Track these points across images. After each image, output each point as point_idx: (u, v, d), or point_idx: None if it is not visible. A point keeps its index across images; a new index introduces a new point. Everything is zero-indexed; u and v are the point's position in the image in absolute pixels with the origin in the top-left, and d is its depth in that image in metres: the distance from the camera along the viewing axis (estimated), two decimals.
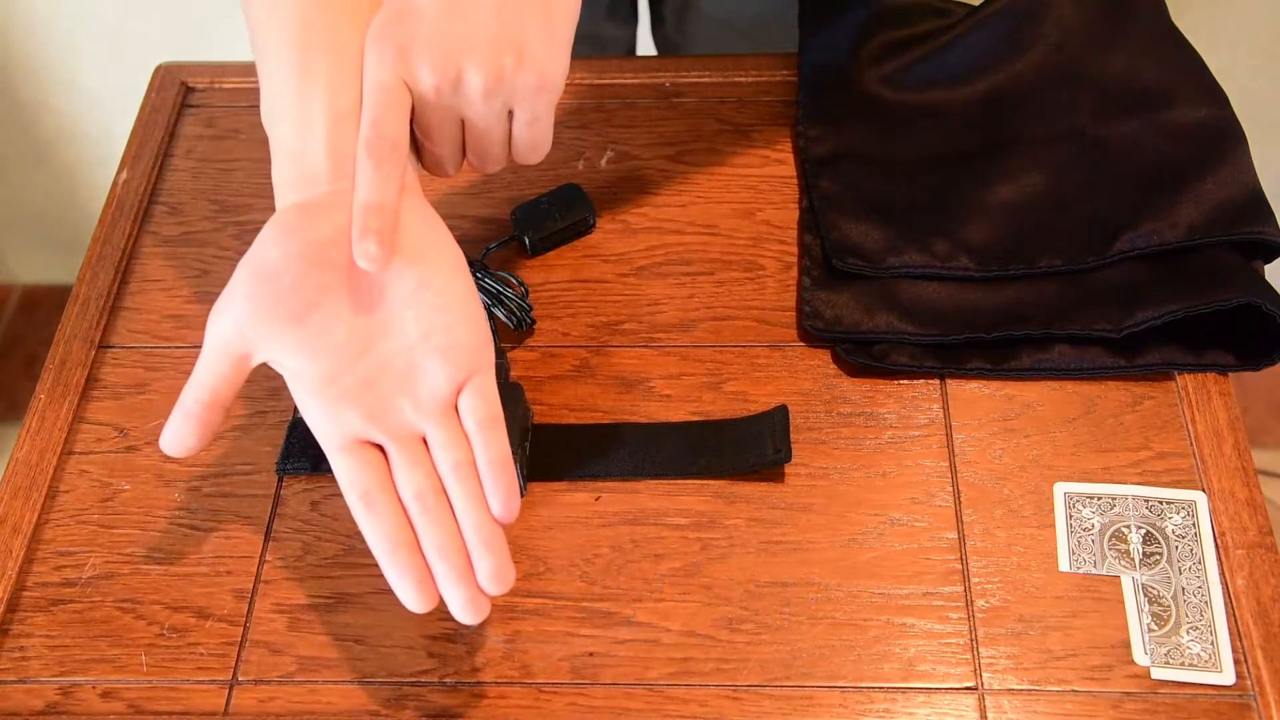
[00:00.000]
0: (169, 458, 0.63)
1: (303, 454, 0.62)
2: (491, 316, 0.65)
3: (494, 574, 0.51)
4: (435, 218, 0.56)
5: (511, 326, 0.66)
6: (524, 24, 0.53)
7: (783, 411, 0.62)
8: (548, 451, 0.62)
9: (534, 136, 0.56)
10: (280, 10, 0.55)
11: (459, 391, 0.54)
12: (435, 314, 0.54)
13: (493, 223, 0.71)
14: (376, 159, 0.53)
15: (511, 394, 0.61)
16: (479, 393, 0.54)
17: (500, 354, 0.63)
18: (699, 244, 0.70)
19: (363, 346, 0.53)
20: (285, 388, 0.65)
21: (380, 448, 0.53)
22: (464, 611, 0.50)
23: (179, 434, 0.53)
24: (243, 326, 0.53)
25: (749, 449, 0.61)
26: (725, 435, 0.62)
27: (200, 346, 0.67)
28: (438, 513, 0.52)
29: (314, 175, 0.54)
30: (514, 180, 0.73)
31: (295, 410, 0.64)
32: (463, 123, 0.56)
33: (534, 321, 0.66)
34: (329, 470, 0.55)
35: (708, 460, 0.61)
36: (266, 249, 0.53)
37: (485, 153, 0.57)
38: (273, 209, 0.75)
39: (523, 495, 0.60)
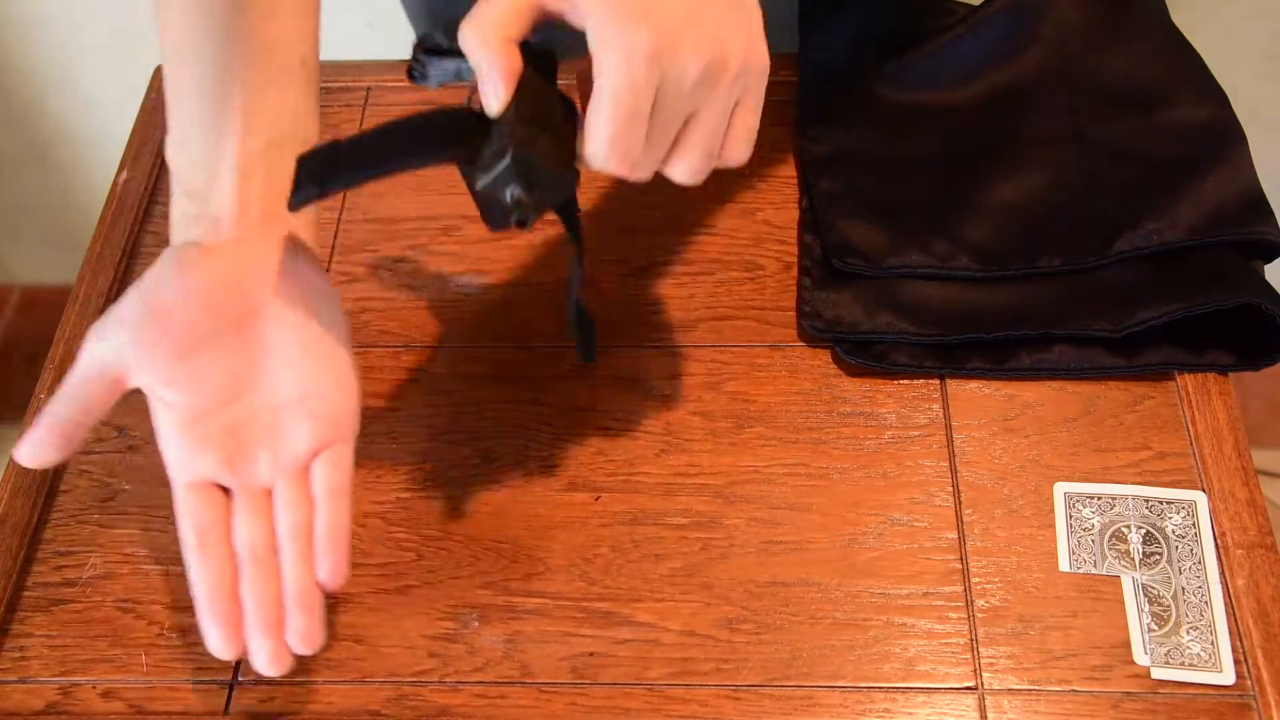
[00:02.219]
0: None
1: (308, 180, 0.51)
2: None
3: (304, 633, 0.51)
4: (327, 283, 0.56)
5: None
6: (751, 9, 0.50)
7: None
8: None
9: (754, 124, 0.52)
10: (196, 34, 0.54)
11: (315, 455, 0.54)
12: (314, 379, 0.54)
13: None
14: None
15: (573, 107, 0.52)
16: (335, 462, 0.54)
17: (550, 54, 0.53)
18: (699, 244, 0.70)
19: (235, 393, 0.54)
20: None
21: (226, 491, 0.54)
22: (266, 664, 0.51)
23: (39, 446, 0.53)
24: (123, 353, 0.53)
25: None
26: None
27: None
28: (265, 566, 0.52)
29: (217, 219, 0.54)
30: None
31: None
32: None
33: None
34: (336, 186, 0.51)
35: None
36: (161, 285, 0.53)
37: (711, 148, 0.51)
38: None
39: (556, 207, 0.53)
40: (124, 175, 0.75)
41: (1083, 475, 0.61)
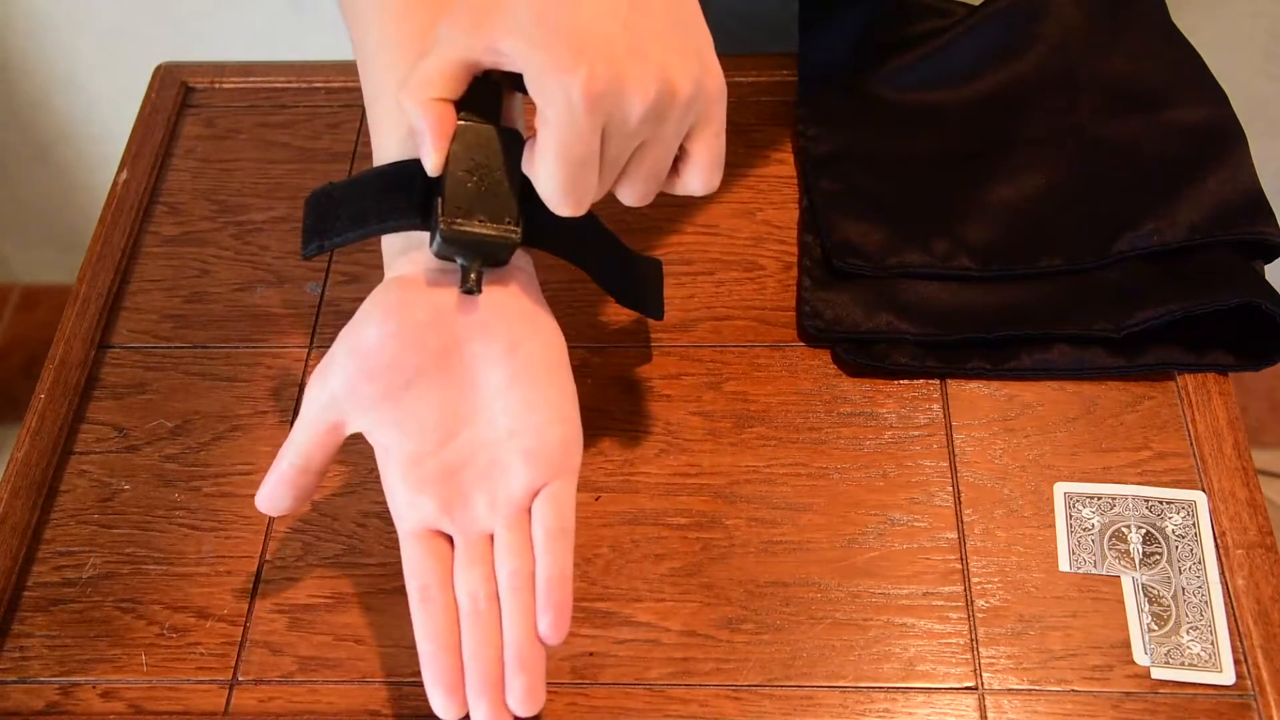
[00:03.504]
0: (169, 457, 0.63)
1: (311, 235, 0.54)
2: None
3: (524, 694, 0.49)
4: (541, 305, 0.55)
5: None
6: (697, 28, 0.49)
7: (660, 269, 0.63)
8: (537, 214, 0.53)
9: (720, 150, 0.51)
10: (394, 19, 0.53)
11: (534, 495, 0.52)
12: (526, 411, 0.52)
13: None
14: None
15: (512, 141, 0.51)
16: (554, 501, 0.52)
17: (494, 85, 0.52)
18: (699, 244, 0.70)
19: (451, 431, 0.52)
20: (285, 387, 0.65)
21: (449, 538, 0.52)
22: None
23: (274, 497, 0.54)
24: (339, 398, 0.52)
25: (648, 298, 0.62)
26: (637, 273, 0.62)
27: (199, 346, 0.67)
28: (485, 620, 0.50)
29: (424, 244, 0.53)
30: None
31: (297, 409, 0.64)
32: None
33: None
34: (332, 244, 0.53)
35: (636, 293, 0.61)
36: (365, 328, 0.53)
37: (659, 174, 0.50)
38: (271, 209, 0.75)
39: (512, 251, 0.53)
40: (124, 175, 0.75)
41: (1083, 475, 0.61)
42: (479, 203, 0.50)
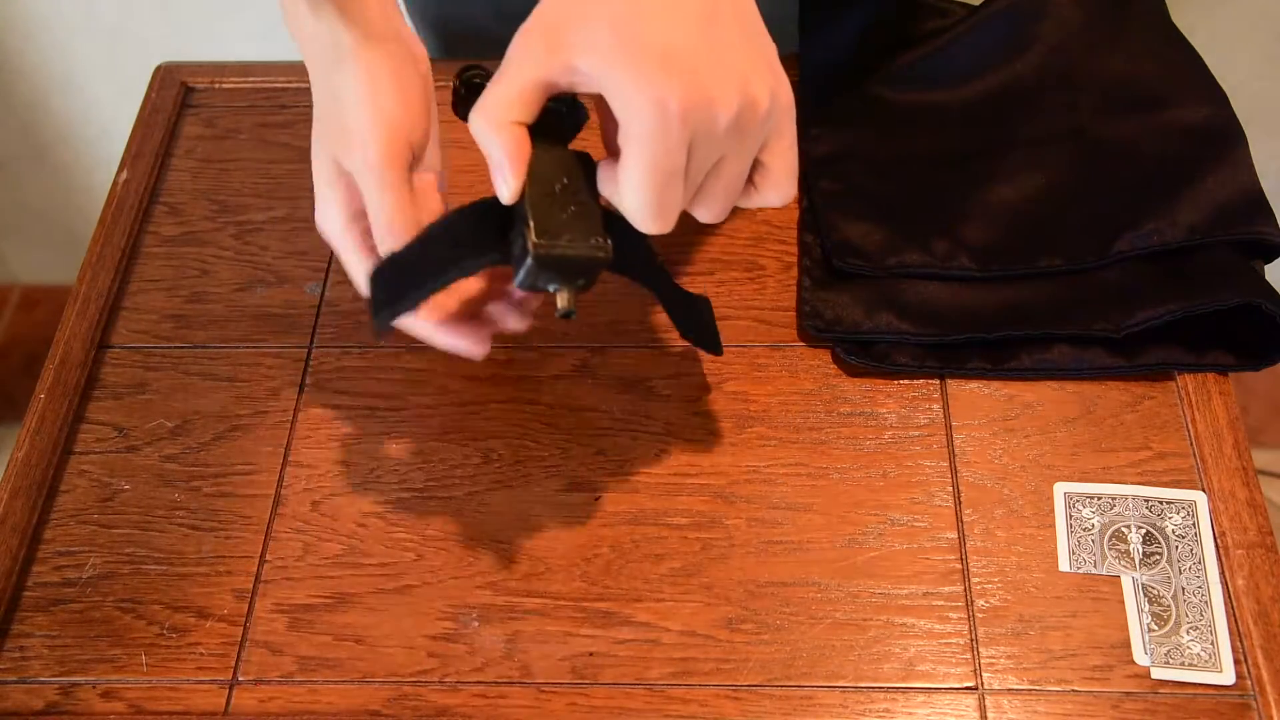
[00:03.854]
0: (169, 457, 0.63)
1: (379, 307, 0.54)
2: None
3: None
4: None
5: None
6: (766, 39, 0.48)
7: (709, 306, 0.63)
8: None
9: (795, 160, 0.50)
10: None
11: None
12: None
13: None
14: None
15: (587, 163, 0.51)
16: None
17: (578, 106, 0.51)
18: (699, 244, 0.70)
19: None
20: (285, 387, 0.65)
21: None
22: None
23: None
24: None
25: (706, 334, 0.62)
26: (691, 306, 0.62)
27: (199, 346, 0.67)
28: None
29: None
30: None
31: (297, 409, 0.64)
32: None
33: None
34: (407, 307, 0.53)
35: (693, 327, 0.62)
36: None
37: (736, 190, 0.50)
38: (271, 209, 0.75)
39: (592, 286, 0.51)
40: (124, 175, 0.75)
41: (1083, 475, 0.61)
42: (565, 224, 0.48)
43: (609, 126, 0.46)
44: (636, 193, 0.46)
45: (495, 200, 0.49)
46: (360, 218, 0.54)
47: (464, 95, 0.53)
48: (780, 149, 0.49)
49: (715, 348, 0.63)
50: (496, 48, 0.51)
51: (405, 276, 0.52)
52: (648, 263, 0.56)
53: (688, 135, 0.45)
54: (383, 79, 0.52)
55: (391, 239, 0.52)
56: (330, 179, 0.54)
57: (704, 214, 0.50)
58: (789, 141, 0.49)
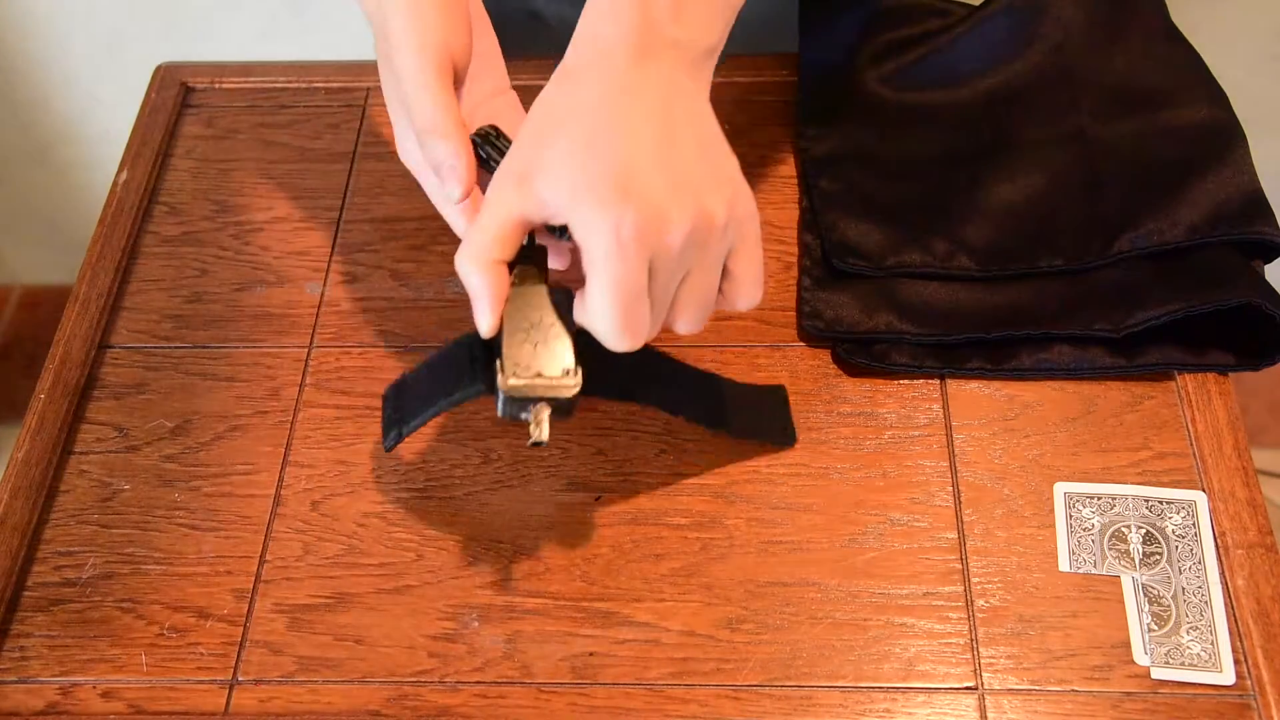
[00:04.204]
0: (169, 457, 0.63)
1: (390, 426, 0.58)
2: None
3: None
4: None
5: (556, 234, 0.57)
6: (725, 154, 0.51)
7: (782, 398, 0.62)
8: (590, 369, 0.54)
9: (758, 268, 0.53)
10: None
11: None
12: None
13: None
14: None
15: (560, 300, 0.54)
16: None
17: (540, 250, 0.55)
18: None
19: None
20: (285, 387, 0.65)
21: None
22: None
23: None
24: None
25: (763, 422, 0.62)
26: (728, 400, 0.62)
27: (199, 346, 0.67)
28: None
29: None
30: None
31: (297, 409, 0.64)
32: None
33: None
34: (412, 429, 0.56)
35: (722, 416, 0.61)
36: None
37: (707, 301, 0.52)
38: (271, 209, 0.75)
39: (576, 407, 0.54)
40: (124, 175, 0.75)
41: (1083, 475, 0.61)
42: (536, 359, 0.51)
43: (579, 253, 0.49)
44: (602, 315, 0.48)
45: (471, 341, 0.53)
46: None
47: (482, 154, 0.55)
48: (744, 257, 0.52)
49: (780, 438, 0.61)
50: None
51: (410, 402, 0.57)
52: (643, 374, 0.58)
53: (645, 256, 0.47)
54: None
55: (435, 142, 0.52)
56: (396, 106, 0.55)
57: (681, 327, 0.52)
58: (752, 249, 0.52)
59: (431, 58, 0.53)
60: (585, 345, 0.52)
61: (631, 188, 0.47)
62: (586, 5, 0.52)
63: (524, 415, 0.52)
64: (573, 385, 0.52)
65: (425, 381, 0.56)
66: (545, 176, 0.48)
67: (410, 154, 0.56)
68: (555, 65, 0.52)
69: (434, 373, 0.56)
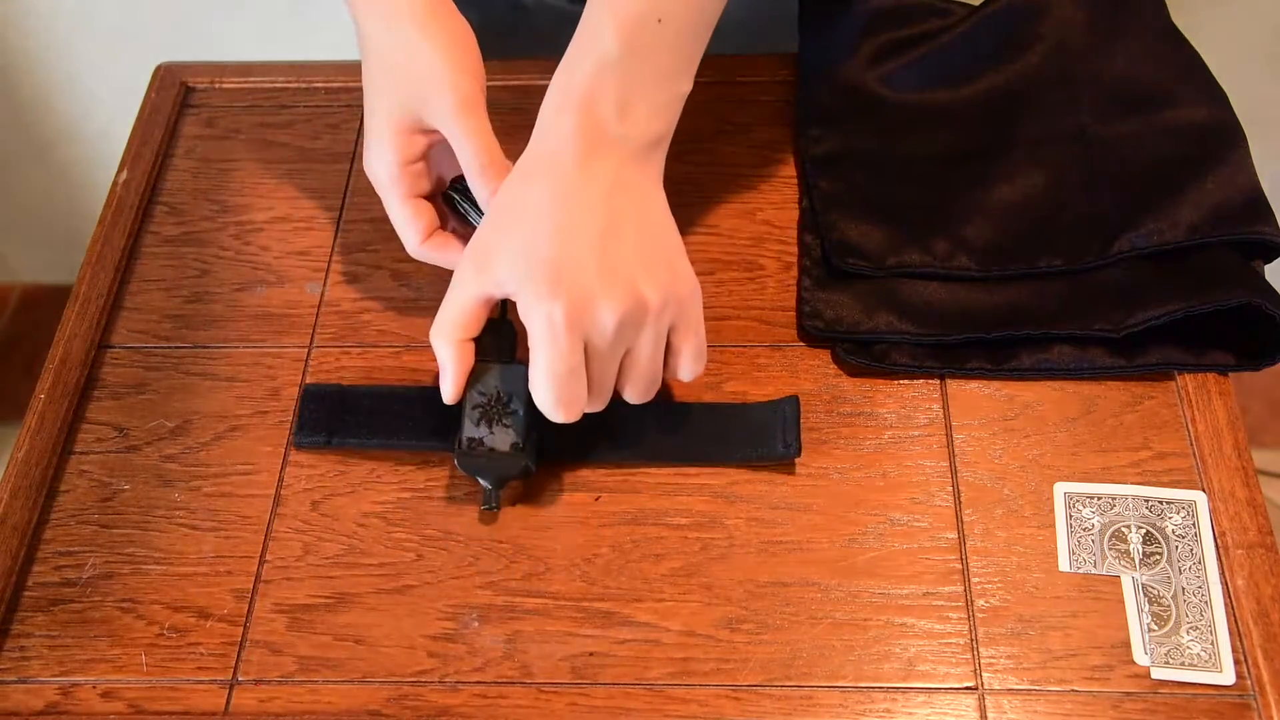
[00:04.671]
0: (169, 457, 0.63)
1: (315, 427, 0.63)
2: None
3: None
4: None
5: None
6: (667, 239, 0.57)
7: (793, 404, 0.62)
8: (555, 432, 0.59)
9: (698, 343, 0.58)
10: None
11: None
12: None
13: None
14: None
15: (520, 375, 0.59)
16: None
17: (508, 326, 0.61)
18: (699, 244, 0.70)
19: None
20: (285, 387, 0.65)
21: None
22: None
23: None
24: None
25: (758, 440, 0.61)
26: (733, 423, 0.62)
27: (199, 346, 0.67)
28: None
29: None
30: None
31: (302, 387, 0.64)
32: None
33: None
34: (342, 443, 0.62)
35: (716, 449, 0.61)
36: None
37: (650, 374, 0.57)
38: (271, 209, 0.75)
39: (532, 474, 0.61)
40: (124, 175, 0.75)
41: (1083, 475, 0.61)
42: (491, 431, 0.58)
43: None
44: (540, 390, 0.55)
45: (436, 398, 0.59)
46: (410, 165, 0.61)
47: (460, 209, 0.63)
48: (684, 335, 0.57)
49: (785, 450, 0.61)
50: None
51: (346, 415, 0.63)
52: (635, 434, 0.62)
53: (578, 339, 0.53)
54: (456, 32, 0.60)
55: (484, 183, 0.59)
56: (387, 127, 0.60)
57: (630, 396, 0.58)
58: (694, 326, 0.57)
59: (476, 103, 0.59)
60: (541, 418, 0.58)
61: (563, 280, 0.53)
62: (547, 94, 0.57)
63: (477, 476, 0.59)
64: (519, 462, 0.58)
65: (379, 410, 0.62)
66: (498, 261, 0.55)
67: (380, 170, 0.61)
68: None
69: (390, 405, 0.62)
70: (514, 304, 0.58)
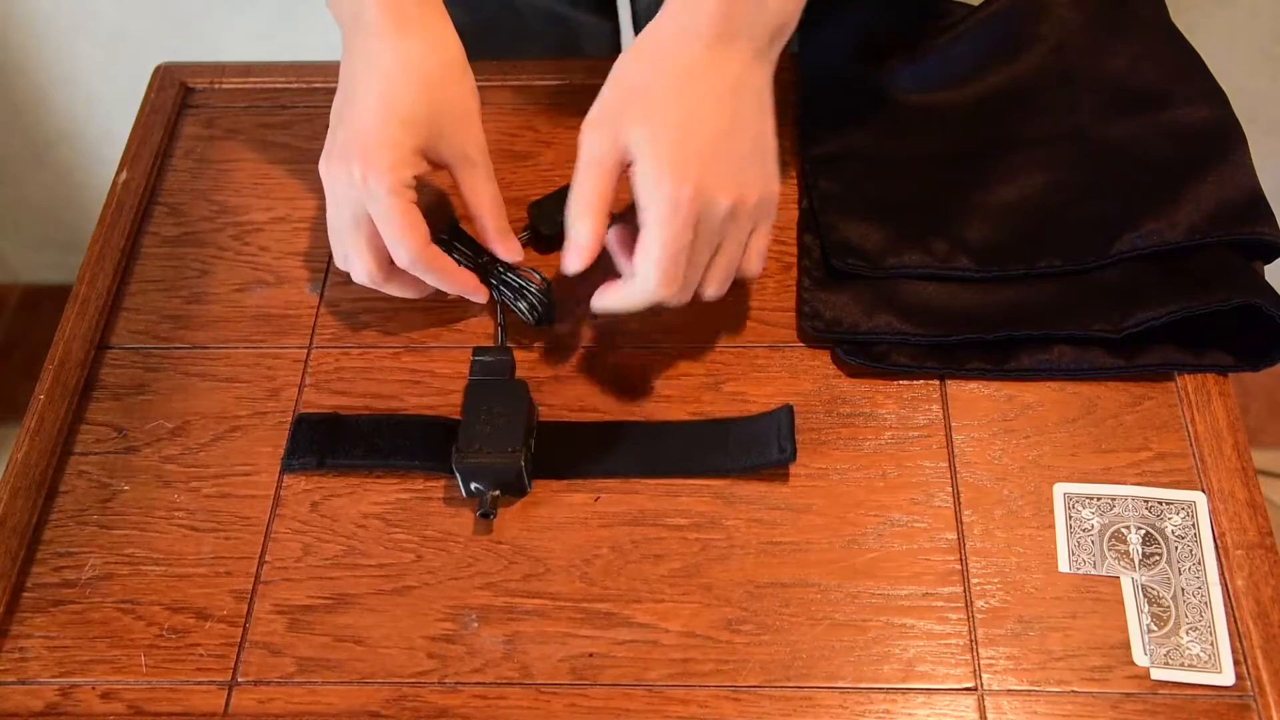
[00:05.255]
0: (168, 458, 0.63)
1: (308, 450, 0.62)
2: (511, 311, 0.66)
3: None
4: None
5: (533, 323, 0.65)
6: (771, 150, 0.60)
7: (788, 411, 0.62)
8: (552, 449, 0.62)
9: (767, 243, 0.62)
10: None
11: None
12: None
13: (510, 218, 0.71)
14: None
15: (516, 391, 0.61)
16: None
17: (506, 351, 0.64)
18: None
19: None
20: (285, 388, 0.65)
21: None
22: None
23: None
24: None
25: (754, 448, 0.61)
26: (730, 434, 0.62)
27: (199, 347, 0.67)
28: None
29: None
30: (536, 179, 0.73)
31: (296, 409, 0.64)
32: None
33: (555, 320, 0.66)
34: (333, 466, 0.61)
35: (713, 459, 0.61)
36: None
37: (732, 270, 0.61)
38: (271, 209, 0.75)
39: (527, 492, 0.61)
40: (124, 175, 0.75)
41: (1082, 476, 0.61)
42: (487, 439, 0.60)
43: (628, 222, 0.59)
44: (648, 265, 0.57)
45: (443, 420, 0.63)
46: (413, 179, 0.61)
47: (458, 256, 0.66)
48: (762, 233, 0.61)
49: (780, 456, 0.61)
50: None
51: (342, 438, 0.63)
52: (628, 450, 0.62)
53: (693, 222, 0.57)
54: (397, 74, 0.62)
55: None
56: (409, 137, 0.61)
57: (710, 291, 0.61)
58: (768, 228, 0.62)
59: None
60: (552, 435, 0.62)
61: (690, 168, 0.56)
62: None
63: (476, 486, 0.60)
64: (516, 459, 0.59)
65: (368, 443, 0.62)
66: (631, 139, 0.57)
67: (386, 172, 0.60)
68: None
69: (381, 438, 0.62)
70: (512, 325, 0.65)
